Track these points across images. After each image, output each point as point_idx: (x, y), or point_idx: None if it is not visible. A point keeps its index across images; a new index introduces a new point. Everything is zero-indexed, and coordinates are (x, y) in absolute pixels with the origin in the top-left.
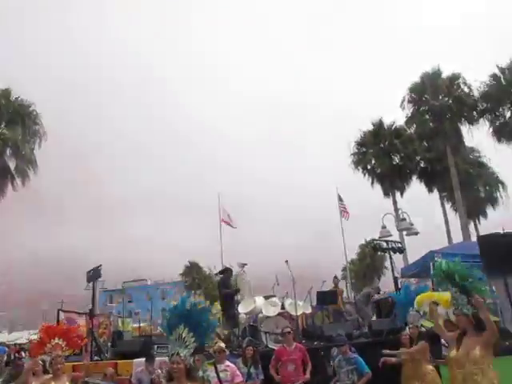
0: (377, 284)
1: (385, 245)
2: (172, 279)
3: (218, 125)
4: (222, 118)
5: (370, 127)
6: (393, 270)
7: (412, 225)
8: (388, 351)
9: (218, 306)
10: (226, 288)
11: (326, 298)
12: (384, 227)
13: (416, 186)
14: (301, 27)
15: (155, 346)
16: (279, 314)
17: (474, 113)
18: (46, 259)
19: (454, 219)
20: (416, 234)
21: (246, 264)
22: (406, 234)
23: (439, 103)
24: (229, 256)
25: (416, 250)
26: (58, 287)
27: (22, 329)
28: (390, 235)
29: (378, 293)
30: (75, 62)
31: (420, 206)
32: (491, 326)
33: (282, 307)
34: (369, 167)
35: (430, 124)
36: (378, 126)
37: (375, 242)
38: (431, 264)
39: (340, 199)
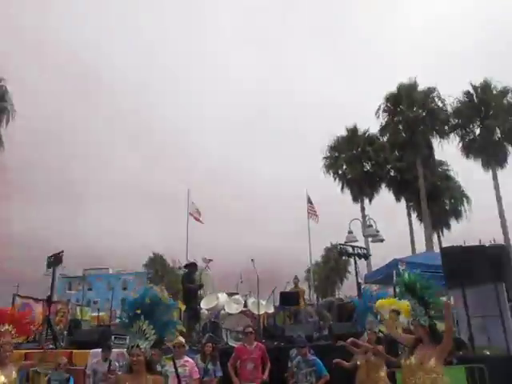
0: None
1: (350, 250)
2: (135, 270)
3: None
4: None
5: (345, 133)
6: (357, 275)
7: (378, 232)
8: (339, 360)
9: (179, 300)
10: (189, 282)
11: (289, 299)
12: (350, 232)
13: (384, 194)
14: (287, 31)
15: (113, 337)
16: (241, 312)
17: (446, 127)
18: (4, 241)
19: (419, 229)
20: (381, 241)
21: (211, 260)
22: (372, 241)
23: (413, 115)
24: (194, 251)
25: (380, 257)
26: (16, 271)
27: None
28: (356, 240)
29: None
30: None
31: (387, 214)
32: (449, 336)
33: (245, 305)
34: (340, 172)
35: (403, 134)
36: (352, 132)
37: (341, 246)
38: (394, 272)
39: (309, 201)
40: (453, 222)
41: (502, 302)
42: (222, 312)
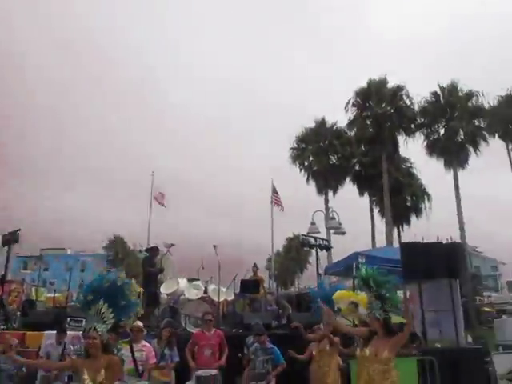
0: (298, 285)
1: (313, 241)
2: (94, 251)
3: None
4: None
5: (313, 125)
6: (317, 267)
7: (340, 224)
8: (293, 353)
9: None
10: (150, 266)
11: (249, 287)
12: (313, 223)
13: (349, 188)
14: (256, 23)
15: (68, 319)
16: (201, 298)
17: (412, 125)
18: None
19: (380, 224)
20: (343, 233)
21: (173, 244)
22: (334, 233)
23: (381, 111)
24: (156, 234)
25: (341, 249)
26: None
27: None
28: (318, 232)
29: None
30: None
31: (350, 208)
32: (407, 332)
33: (205, 292)
34: (306, 163)
35: (370, 130)
36: (320, 124)
37: (304, 237)
38: (354, 264)
39: (274, 191)
40: (413, 219)
41: (455, 298)
42: (182, 297)
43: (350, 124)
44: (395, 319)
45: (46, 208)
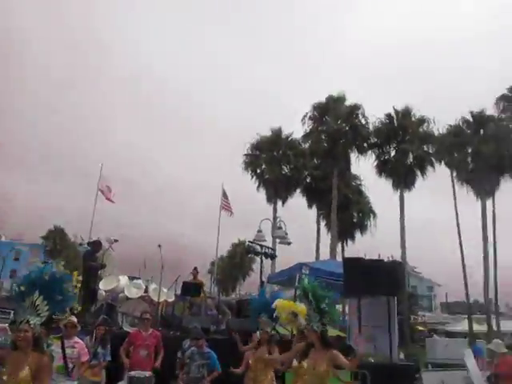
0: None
1: (259, 248)
2: (32, 241)
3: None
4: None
5: (269, 133)
6: (261, 274)
7: (286, 234)
8: (232, 370)
9: (77, 278)
10: (91, 261)
11: (191, 290)
12: (260, 231)
13: (298, 199)
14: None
15: None
16: (141, 297)
17: (365, 144)
18: None
19: (325, 237)
20: (289, 243)
21: (116, 240)
22: (279, 242)
23: (337, 127)
24: (100, 228)
25: (284, 259)
26: None
27: None
28: (265, 240)
29: None
30: None
31: (297, 219)
32: (349, 367)
33: (146, 291)
34: (258, 171)
35: (324, 144)
36: (276, 134)
37: (250, 243)
38: (298, 275)
39: (225, 195)
40: (357, 235)
41: (392, 315)
42: (121, 295)
43: (306, 136)
44: (332, 332)
45: None
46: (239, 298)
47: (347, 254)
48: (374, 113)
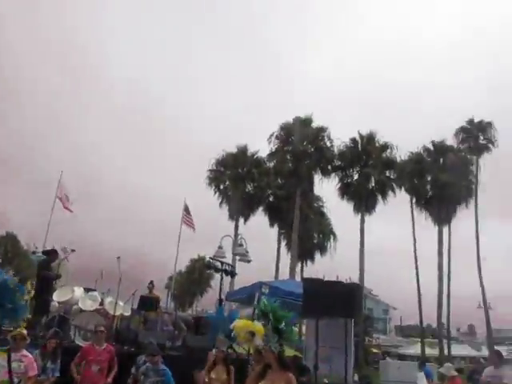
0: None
1: (219, 265)
2: None
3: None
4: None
5: (234, 150)
6: (220, 291)
7: (247, 252)
8: None
9: (30, 288)
10: (46, 270)
11: (148, 304)
12: (221, 248)
13: (260, 218)
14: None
15: None
16: (96, 310)
17: (329, 166)
18: None
19: (285, 257)
20: (249, 261)
21: (73, 250)
22: (239, 260)
23: (302, 148)
24: (56, 237)
25: (243, 276)
26: None
27: None
28: (225, 257)
29: None
30: None
31: (258, 237)
32: None
33: (101, 303)
34: (222, 187)
35: (289, 164)
36: (242, 151)
37: (211, 260)
38: (257, 294)
39: (187, 210)
40: (317, 256)
41: (349, 337)
42: (75, 307)
43: (271, 155)
44: (289, 352)
45: None
46: (196, 315)
47: (306, 275)
48: (340, 136)
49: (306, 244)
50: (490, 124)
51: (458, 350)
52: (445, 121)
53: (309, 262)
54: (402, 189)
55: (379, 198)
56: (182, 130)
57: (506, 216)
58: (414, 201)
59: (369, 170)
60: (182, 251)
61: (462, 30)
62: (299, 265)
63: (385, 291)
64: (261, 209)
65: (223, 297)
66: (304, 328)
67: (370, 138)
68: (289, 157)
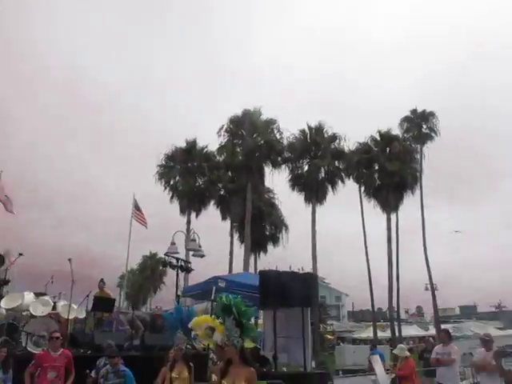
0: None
1: (175, 262)
2: None
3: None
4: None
5: (184, 145)
6: (177, 288)
7: (200, 247)
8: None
9: None
10: None
11: (103, 305)
12: (173, 244)
13: (212, 211)
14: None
15: None
16: (48, 315)
17: (279, 158)
18: None
19: (238, 250)
20: (202, 256)
21: (21, 254)
22: (193, 255)
23: (252, 141)
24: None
25: (197, 271)
26: None
27: None
28: (178, 253)
29: None
30: None
31: (211, 231)
32: None
33: (54, 308)
34: (172, 182)
35: (239, 157)
36: (191, 145)
37: (166, 256)
38: (214, 288)
39: (136, 206)
40: (270, 247)
41: (306, 325)
42: (25, 313)
43: (221, 149)
44: (248, 344)
45: None
46: (153, 312)
47: (260, 266)
48: (289, 128)
49: (259, 236)
50: (432, 114)
51: (408, 330)
52: (392, 111)
53: (262, 254)
54: (351, 178)
55: (329, 188)
56: (130, 126)
57: (450, 201)
58: (362, 190)
59: (318, 161)
60: (133, 249)
61: (409, 22)
62: (252, 257)
63: (337, 279)
64: (212, 203)
65: (180, 293)
66: (262, 320)
67: (318, 130)
68: (239, 150)
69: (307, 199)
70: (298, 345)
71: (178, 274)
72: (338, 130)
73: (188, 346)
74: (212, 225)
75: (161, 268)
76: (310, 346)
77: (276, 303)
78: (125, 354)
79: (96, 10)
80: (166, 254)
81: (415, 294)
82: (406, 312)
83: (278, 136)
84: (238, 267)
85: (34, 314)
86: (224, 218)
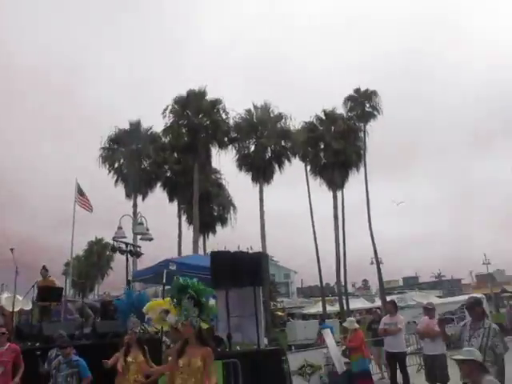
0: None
1: (124, 247)
2: None
3: None
4: None
5: (127, 126)
6: (127, 273)
7: (148, 230)
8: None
9: None
10: None
11: (50, 295)
12: (120, 228)
13: (159, 194)
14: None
15: None
16: None
17: (226, 139)
18: None
19: (187, 231)
20: (150, 239)
21: None
22: (141, 239)
23: (198, 121)
24: None
25: (146, 255)
26: None
27: None
28: (125, 237)
29: None
30: None
31: (158, 214)
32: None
33: None
34: (116, 165)
35: (185, 138)
36: (136, 127)
37: (115, 242)
38: (165, 271)
39: (80, 191)
40: (218, 228)
41: (258, 303)
42: None
43: (166, 130)
44: (203, 324)
45: None
46: (103, 299)
47: (208, 247)
48: (234, 108)
49: (207, 217)
50: (374, 92)
51: (355, 303)
52: (336, 90)
53: (210, 235)
54: (297, 157)
55: (276, 167)
56: (70, 107)
57: (392, 178)
58: (308, 168)
59: (265, 141)
60: (78, 235)
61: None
62: (201, 238)
63: (285, 256)
64: (159, 185)
65: (130, 278)
66: (214, 301)
67: (264, 109)
68: (184, 131)
69: (254, 179)
70: (251, 323)
71: (127, 259)
72: (285, 109)
73: (141, 330)
74: (159, 207)
75: (108, 253)
76: (263, 323)
77: (228, 283)
78: (76, 343)
79: None
80: (113, 239)
81: (361, 268)
82: (353, 286)
83: (223, 116)
84: (187, 249)
85: None
86: (171, 200)
